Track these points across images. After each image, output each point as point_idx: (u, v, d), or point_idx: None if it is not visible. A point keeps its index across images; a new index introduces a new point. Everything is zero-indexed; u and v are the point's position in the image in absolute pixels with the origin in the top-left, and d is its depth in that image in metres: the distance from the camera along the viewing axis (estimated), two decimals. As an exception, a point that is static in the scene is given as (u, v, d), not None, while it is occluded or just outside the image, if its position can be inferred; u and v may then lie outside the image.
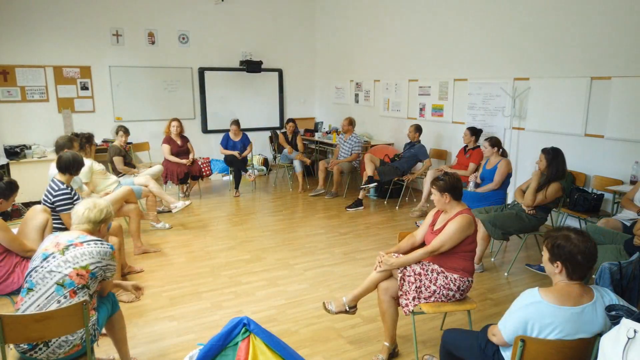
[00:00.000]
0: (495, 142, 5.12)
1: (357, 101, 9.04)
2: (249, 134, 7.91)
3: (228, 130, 7.53)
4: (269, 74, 9.52)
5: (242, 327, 2.05)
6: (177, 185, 7.00)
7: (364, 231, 5.68)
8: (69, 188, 3.77)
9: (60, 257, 2.35)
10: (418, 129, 6.68)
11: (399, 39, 7.73)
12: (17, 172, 6.57)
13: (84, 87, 7.90)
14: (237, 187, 7.47)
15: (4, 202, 3.19)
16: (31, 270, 2.37)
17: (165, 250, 5.04)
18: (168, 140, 6.87)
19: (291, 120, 8.04)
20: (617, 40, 4.78)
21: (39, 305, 2.30)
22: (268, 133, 9.24)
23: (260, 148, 9.41)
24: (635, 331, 1.80)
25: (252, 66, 8.96)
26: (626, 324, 1.85)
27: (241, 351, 2.02)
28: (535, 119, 5.66)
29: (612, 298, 2.00)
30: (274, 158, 8.61)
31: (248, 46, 9.21)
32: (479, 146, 5.88)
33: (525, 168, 5.81)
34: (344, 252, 4.99)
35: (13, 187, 3.24)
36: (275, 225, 5.96)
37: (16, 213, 4.82)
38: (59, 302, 2.30)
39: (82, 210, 2.60)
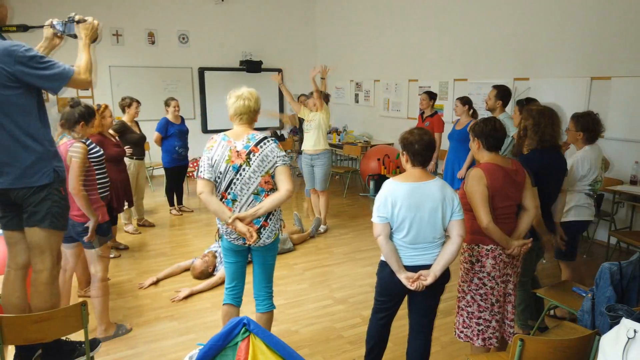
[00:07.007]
0: (466, 101, 4.92)
1: (357, 101, 9.04)
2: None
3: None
4: (269, 74, 9.49)
5: (242, 327, 2.04)
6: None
7: (363, 231, 5.67)
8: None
9: (249, 169, 2.55)
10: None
11: (399, 39, 7.72)
12: (17, 172, 6.55)
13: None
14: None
15: (85, 125, 3.14)
16: (229, 183, 2.56)
17: (165, 250, 5.05)
18: None
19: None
20: (617, 40, 4.78)
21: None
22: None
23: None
24: (635, 331, 1.80)
25: (252, 66, 8.97)
26: (626, 324, 1.85)
27: (241, 351, 2.01)
28: (535, 118, 5.64)
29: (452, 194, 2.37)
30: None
31: (248, 46, 9.21)
32: (437, 112, 5.70)
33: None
34: (344, 252, 4.99)
35: (92, 111, 3.22)
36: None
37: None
38: None
39: (240, 102, 2.60)
